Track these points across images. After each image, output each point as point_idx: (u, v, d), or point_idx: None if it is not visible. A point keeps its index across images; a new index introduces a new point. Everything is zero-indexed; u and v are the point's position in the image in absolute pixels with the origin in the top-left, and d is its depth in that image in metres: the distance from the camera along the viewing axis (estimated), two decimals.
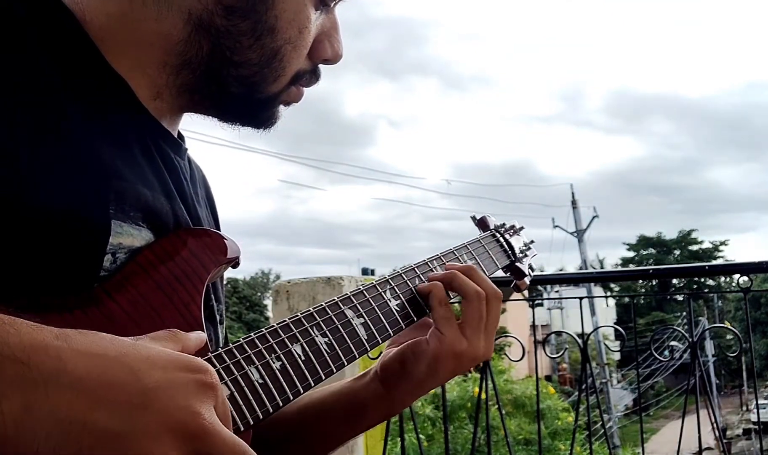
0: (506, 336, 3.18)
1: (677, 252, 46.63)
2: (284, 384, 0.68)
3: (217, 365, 0.64)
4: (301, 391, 0.70)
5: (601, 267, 43.26)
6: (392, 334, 0.86)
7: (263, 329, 0.71)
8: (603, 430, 4.13)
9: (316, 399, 0.95)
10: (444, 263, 0.98)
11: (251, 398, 0.64)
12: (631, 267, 37.03)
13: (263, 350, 0.69)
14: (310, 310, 0.77)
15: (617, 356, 29.56)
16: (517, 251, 1.16)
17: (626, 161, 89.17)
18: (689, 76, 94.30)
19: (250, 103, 0.82)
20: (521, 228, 1.22)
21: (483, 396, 2.48)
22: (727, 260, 22.40)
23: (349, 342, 0.79)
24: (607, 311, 34.17)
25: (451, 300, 0.93)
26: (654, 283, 37.68)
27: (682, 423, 2.45)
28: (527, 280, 1.17)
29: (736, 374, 37.30)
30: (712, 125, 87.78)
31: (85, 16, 0.72)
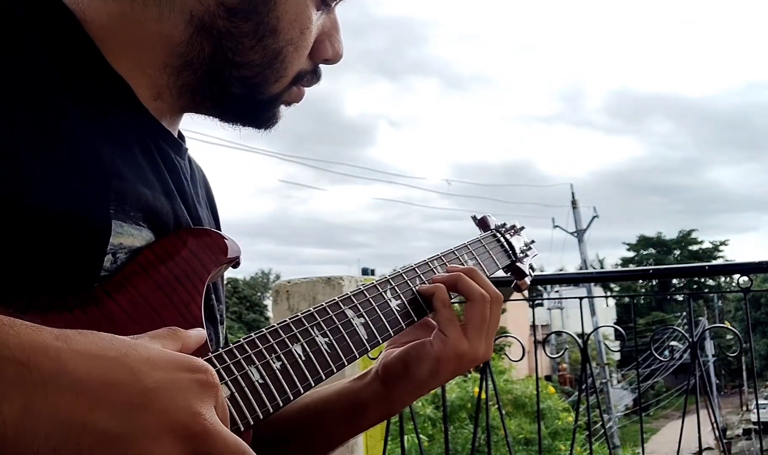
0: (506, 336, 3.19)
1: (677, 252, 46.64)
2: (284, 384, 0.68)
3: (218, 365, 0.64)
4: (302, 391, 0.70)
5: (601, 267, 43.28)
6: (392, 334, 0.85)
7: (263, 329, 0.71)
8: (603, 430, 4.13)
9: (317, 398, 0.95)
10: (445, 264, 0.98)
11: (251, 398, 0.64)
12: (631, 267, 37.02)
13: (263, 350, 0.69)
14: (310, 310, 0.77)
15: (617, 356, 29.55)
16: (517, 251, 1.16)
17: (626, 161, 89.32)
18: (689, 76, 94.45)
19: (252, 104, 0.82)
20: (522, 228, 1.22)
21: (483, 396, 2.48)
22: (727, 260, 22.40)
23: (349, 341, 0.78)
24: (607, 311, 34.17)
25: (452, 301, 0.93)
26: (654, 283, 37.69)
27: (682, 423, 2.45)
28: (528, 280, 1.17)
29: (736, 374, 37.30)
30: (712, 125, 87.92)
31: (86, 16, 0.72)
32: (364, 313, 0.83)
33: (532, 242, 1.22)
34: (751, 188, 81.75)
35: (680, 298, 43.33)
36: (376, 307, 0.85)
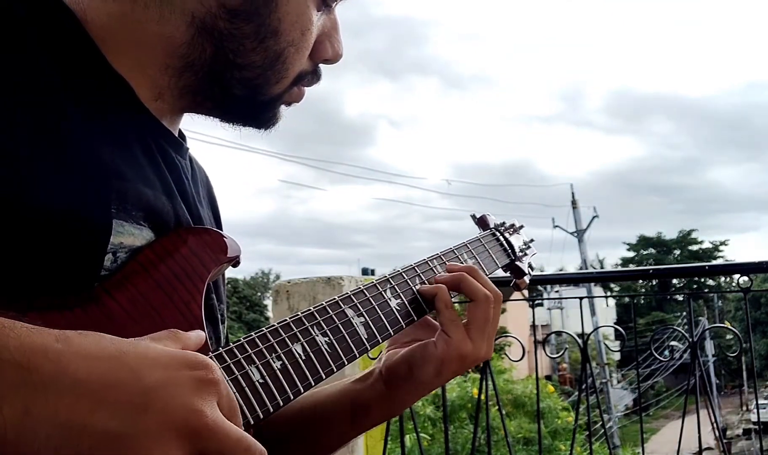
0: (506, 336, 3.19)
1: (677, 252, 46.63)
2: (285, 383, 0.68)
3: (218, 364, 0.63)
4: (302, 390, 0.70)
5: (601, 267, 43.28)
6: (392, 333, 0.86)
7: (264, 328, 0.71)
8: (603, 430, 4.13)
9: (320, 398, 0.95)
10: (444, 263, 0.98)
11: (252, 397, 0.64)
12: (631, 267, 37.00)
13: (264, 349, 0.69)
14: (310, 309, 0.77)
15: (617, 356, 29.54)
16: (516, 250, 1.16)
17: (626, 161, 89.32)
18: (689, 76, 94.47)
19: (253, 105, 0.82)
20: (521, 227, 1.22)
21: (483, 396, 2.48)
22: (727, 260, 22.38)
23: (349, 341, 0.79)
24: (607, 311, 34.16)
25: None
26: (654, 283, 37.69)
27: (682, 423, 2.45)
28: (527, 279, 1.18)
29: (736, 374, 37.29)
30: (713, 125, 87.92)
31: (86, 16, 0.72)
32: (364, 312, 0.83)
33: (531, 240, 1.22)
34: (751, 188, 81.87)
35: (680, 298, 43.34)
36: (376, 306, 0.85)
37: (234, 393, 0.63)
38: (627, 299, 28.30)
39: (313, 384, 0.72)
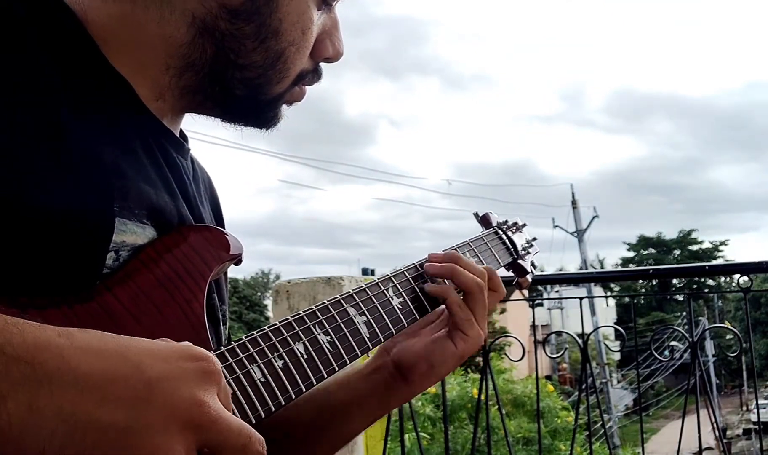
0: (506, 336, 3.18)
1: (677, 252, 46.61)
2: (286, 382, 0.68)
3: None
4: (303, 390, 0.70)
5: (601, 267, 43.29)
6: (394, 332, 0.86)
7: (265, 327, 0.71)
8: (603, 430, 4.13)
9: (331, 390, 0.95)
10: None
11: (253, 396, 0.64)
12: (631, 267, 37.00)
13: (265, 348, 0.69)
14: (312, 308, 0.77)
15: (617, 356, 29.53)
16: (519, 248, 1.15)
17: (627, 160, 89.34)
18: (690, 76, 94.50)
19: (254, 105, 0.82)
20: (523, 225, 1.22)
21: (483, 396, 2.48)
22: (727, 260, 22.43)
23: (351, 340, 0.79)
24: (607, 311, 34.16)
25: None
26: (654, 283, 37.70)
27: (682, 423, 2.45)
28: (529, 277, 1.18)
29: (736, 374, 37.29)
30: (713, 125, 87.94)
31: (87, 17, 0.72)
32: (366, 311, 0.83)
33: (534, 239, 1.22)
34: (751, 188, 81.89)
35: (680, 298, 43.33)
36: (378, 305, 0.85)
37: (235, 392, 0.63)
38: (627, 299, 28.34)
39: (315, 382, 0.72)
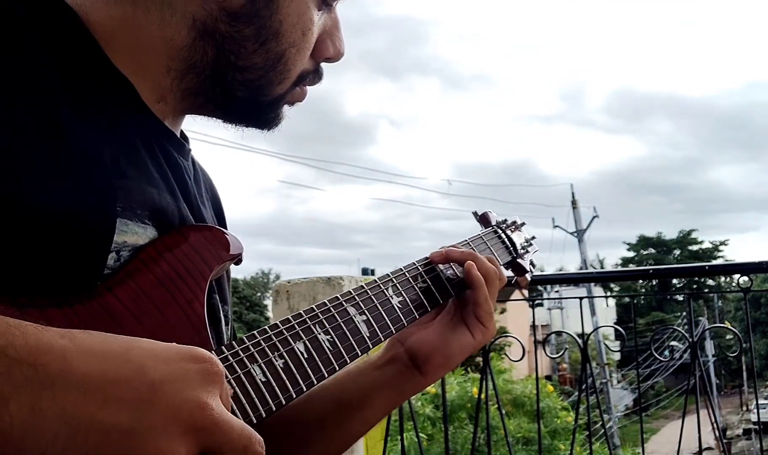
0: (506, 336, 3.18)
1: (677, 252, 46.60)
2: (287, 381, 0.69)
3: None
4: (304, 389, 0.70)
5: (601, 267, 43.26)
6: (394, 331, 0.86)
7: (266, 327, 0.71)
8: (603, 430, 4.13)
9: (344, 384, 0.96)
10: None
11: (254, 396, 0.64)
12: (631, 267, 36.97)
13: (266, 348, 0.69)
14: (312, 307, 0.77)
15: (617, 356, 29.52)
16: (518, 247, 1.16)
17: (627, 160, 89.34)
18: (690, 76, 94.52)
19: (255, 106, 0.82)
20: (522, 224, 1.22)
21: (483, 396, 2.48)
22: (727, 260, 22.41)
23: (351, 339, 0.79)
24: (607, 311, 34.15)
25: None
26: (654, 283, 37.68)
27: (682, 423, 2.45)
28: (529, 276, 1.18)
29: (736, 374, 37.27)
30: (713, 125, 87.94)
31: (89, 18, 0.72)
32: (366, 310, 0.83)
33: (533, 238, 1.22)
34: (751, 188, 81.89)
35: (680, 298, 43.28)
36: (378, 304, 0.85)
37: (236, 392, 0.63)
38: (627, 299, 28.32)
39: (315, 382, 0.72)
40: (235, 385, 0.63)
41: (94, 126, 0.67)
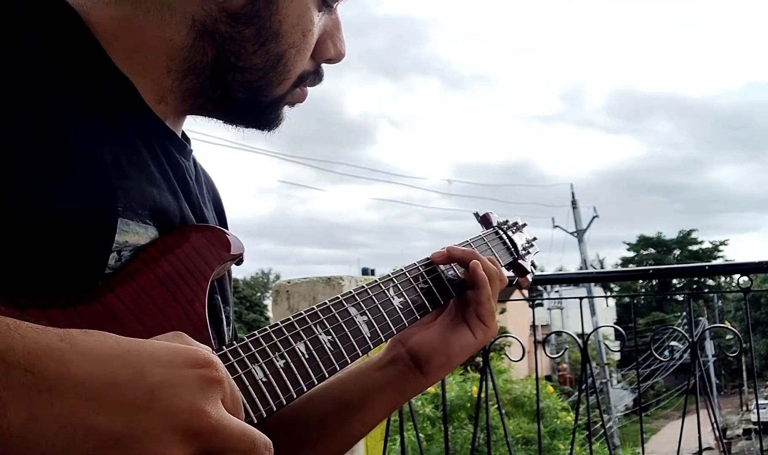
0: (506, 336, 3.18)
1: (677, 252, 46.59)
2: (288, 382, 0.69)
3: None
4: (305, 389, 0.70)
5: (601, 267, 43.26)
6: (395, 332, 0.86)
7: (267, 327, 0.71)
8: (603, 430, 4.13)
9: (346, 385, 0.96)
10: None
11: (255, 396, 0.64)
12: (631, 267, 36.96)
13: (267, 348, 0.69)
14: (313, 308, 0.77)
15: (617, 356, 29.52)
16: (519, 248, 1.16)
17: (627, 160, 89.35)
18: (690, 76, 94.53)
19: (255, 107, 0.82)
20: (524, 225, 1.22)
21: (483, 395, 2.48)
22: (727, 260, 22.41)
23: (352, 340, 0.79)
24: (607, 311, 34.14)
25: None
26: (654, 283, 37.65)
27: (682, 423, 2.45)
28: (530, 277, 1.18)
29: (736, 374, 37.27)
30: (713, 125, 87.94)
31: (90, 18, 0.72)
32: (367, 311, 0.83)
33: (534, 239, 1.22)
34: (751, 188, 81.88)
35: (680, 298, 43.27)
36: (379, 305, 0.85)
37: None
38: (627, 299, 28.32)
39: (316, 382, 0.72)
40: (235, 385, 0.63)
41: (95, 126, 0.67)
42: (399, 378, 0.96)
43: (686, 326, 2.61)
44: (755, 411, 20.38)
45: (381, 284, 0.88)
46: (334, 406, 0.95)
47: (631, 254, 49.19)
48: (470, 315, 0.96)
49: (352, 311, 0.81)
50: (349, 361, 0.77)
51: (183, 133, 0.86)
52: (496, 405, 2.66)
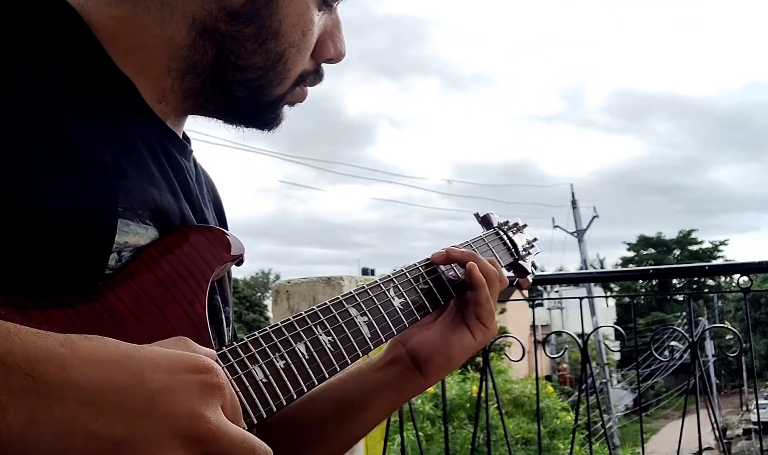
0: (506, 336, 3.18)
1: (677, 252, 46.60)
2: (288, 382, 0.69)
3: (221, 364, 0.63)
4: (305, 390, 0.70)
5: (601, 267, 43.23)
6: (396, 333, 0.86)
7: (267, 328, 0.71)
8: (603, 430, 4.13)
9: (346, 385, 0.96)
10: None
11: (255, 397, 0.65)
12: (631, 267, 36.97)
13: (267, 348, 0.69)
14: (314, 309, 0.77)
15: (617, 356, 29.53)
16: (520, 249, 1.16)
17: (627, 160, 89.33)
18: (690, 76, 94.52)
19: (255, 106, 0.82)
20: (524, 226, 1.22)
21: (483, 395, 2.49)
22: (727, 260, 22.41)
23: (352, 340, 0.79)
24: (607, 311, 34.16)
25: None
26: (654, 283, 37.65)
27: (682, 423, 2.45)
28: (530, 278, 1.18)
29: (736, 374, 37.27)
30: (713, 125, 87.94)
31: (90, 18, 0.72)
32: (367, 312, 0.83)
33: (534, 239, 1.22)
34: (751, 188, 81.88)
35: (680, 298, 43.29)
36: (380, 306, 0.85)
37: (237, 393, 0.63)
38: (627, 299, 28.32)
39: (316, 383, 0.72)
40: (235, 386, 0.63)
41: (95, 126, 0.67)
42: (399, 378, 0.96)
43: (686, 326, 2.61)
44: (755, 411, 20.37)
45: (381, 285, 0.88)
46: (334, 407, 0.95)
47: (631, 254, 49.21)
48: (469, 316, 0.96)
49: (353, 311, 0.81)
50: (350, 362, 0.77)
51: (184, 133, 0.85)
52: (496, 405, 2.66)
